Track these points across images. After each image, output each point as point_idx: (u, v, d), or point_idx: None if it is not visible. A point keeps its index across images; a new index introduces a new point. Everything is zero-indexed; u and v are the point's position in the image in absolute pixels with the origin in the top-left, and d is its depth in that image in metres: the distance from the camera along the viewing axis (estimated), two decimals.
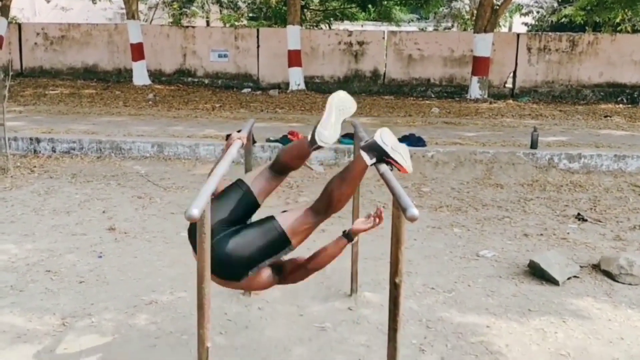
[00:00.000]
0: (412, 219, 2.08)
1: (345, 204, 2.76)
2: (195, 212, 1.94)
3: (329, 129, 2.74)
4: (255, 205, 2.80)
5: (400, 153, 2.67)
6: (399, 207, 2.20)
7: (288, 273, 2.84)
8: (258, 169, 2.93)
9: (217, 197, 2.71)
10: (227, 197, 2.74)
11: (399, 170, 2.69)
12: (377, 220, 2.71)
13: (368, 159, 2.64)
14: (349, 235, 2.78)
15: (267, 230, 2.66)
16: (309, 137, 2.79)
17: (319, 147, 2.77)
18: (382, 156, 2.64)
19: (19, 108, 11.09)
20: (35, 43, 16.69)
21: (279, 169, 2.90)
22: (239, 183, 2.80)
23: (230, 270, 2.63)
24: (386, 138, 2.65)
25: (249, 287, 3.01)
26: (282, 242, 2.66)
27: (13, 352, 3.27)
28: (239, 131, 3.14)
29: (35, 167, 7.48)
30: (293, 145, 3.01)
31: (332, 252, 2.80)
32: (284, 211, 2.79)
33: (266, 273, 2.74)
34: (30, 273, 4.31)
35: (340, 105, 2.78)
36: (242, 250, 2.60)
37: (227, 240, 2.59)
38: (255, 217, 2.84)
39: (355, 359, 3.30)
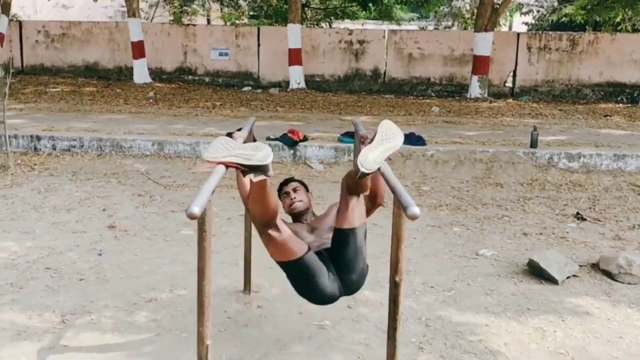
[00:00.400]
0: (413, 217, 2.09)
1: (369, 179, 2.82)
2: (196, 209, 1.95)
3: (373, 156, 2.60)
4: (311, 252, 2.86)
5: (386, 148, 2.65)
6: (399, 206, 2.21)
7: (375, 195, 2.96)
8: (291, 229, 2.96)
9: (302, 269, 2.79)
10: (311, 268, 2.79)
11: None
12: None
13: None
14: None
15: (356, 240, 2.82)
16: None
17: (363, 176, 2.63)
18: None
19: (20, 106, 11.09)
20: (36, 41, 16.69)
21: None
22: (303, 256, 2.80)
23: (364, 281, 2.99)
24: (367, 161, 2.55)
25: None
26: (365, 230, 2.90)
27: (13, 349, 3.28)
28: (239, 130, 3.15)
29: (35, 164, 7.49)
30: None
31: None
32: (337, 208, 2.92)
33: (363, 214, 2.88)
34: (30, 270, 4.31)
35: (389, 132, 2.71)
36: (362, 267, 2.91)
37: (351, 279, 2.87)
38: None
39: (355, 357, 3.30)
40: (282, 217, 3.39)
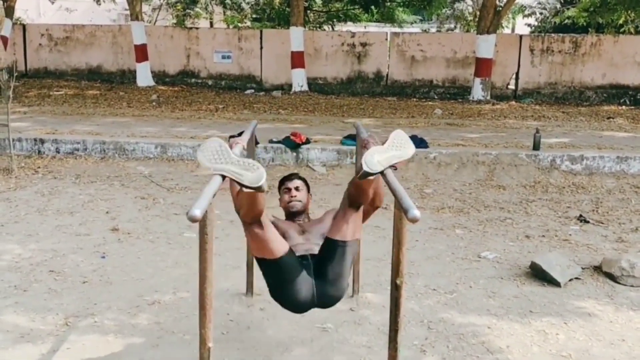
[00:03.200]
0: (413, 220, 2.09)
1: (372, 190, 2.77)
2: (197, 212, 1.96)
3: (377, 157, 2.55)
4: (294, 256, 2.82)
5: (393, 155, 2.58)
6: (400, 209, 2.22)
7: (375, 197, 2.86)
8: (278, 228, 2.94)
9: (279, 272, 2.74)
10: (288, 273, 2.74)
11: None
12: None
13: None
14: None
15: (343, 253, 2.76)
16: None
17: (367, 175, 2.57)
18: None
19: (24, 109, 11.13)
20: (40, 44, 16.75)
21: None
22: (287, 256, 2.76)
23: (341, 297, 2.87)
24: (372, 162, 2.50)
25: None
26: (355, 246, 2.86)
27: (16, 351, 3.29)
28: (240, 134, 3.13)
29: (39, 167, 7.51)
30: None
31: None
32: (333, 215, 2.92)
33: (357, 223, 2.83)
34: (33, 273, 4.33)
35: (402, 143, 2.66)
36: (342, 283, 2.80)
37: (328, 290, 2.77)
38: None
39: None
40: (276, 213, 3.40)
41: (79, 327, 3.57)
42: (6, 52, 15.54)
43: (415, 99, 14.82)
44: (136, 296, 4.00)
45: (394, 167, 2.61)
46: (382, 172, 2.53)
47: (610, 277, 4.41)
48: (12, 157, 7.30)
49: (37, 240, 5.00)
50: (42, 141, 8.23)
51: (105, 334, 3.50)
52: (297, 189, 3.19)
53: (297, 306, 2.79)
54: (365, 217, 2.97)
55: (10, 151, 7.33)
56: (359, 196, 2.78)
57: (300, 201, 3.16)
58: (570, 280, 4.35)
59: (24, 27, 16.96)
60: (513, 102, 14.36)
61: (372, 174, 2.52)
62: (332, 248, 2.75)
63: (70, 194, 6.42)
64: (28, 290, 4.05)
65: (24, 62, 16.70)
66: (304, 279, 2.72)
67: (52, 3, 18.76)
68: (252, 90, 15.40)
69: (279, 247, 2.70)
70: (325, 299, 2.80)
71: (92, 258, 4.65)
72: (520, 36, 15.92)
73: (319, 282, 2.75)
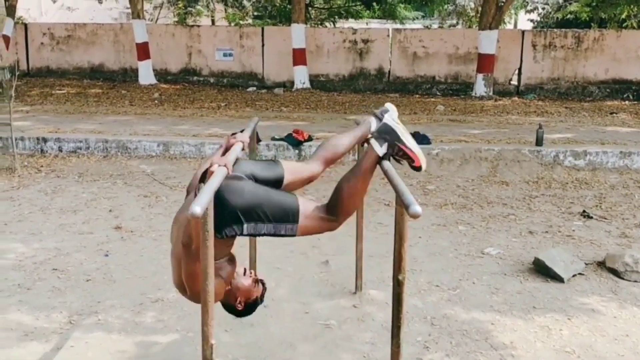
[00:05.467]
0: (414, 216, 2.08)
1: (358, 202, 2.68)
2: (198, 209, 1.96)
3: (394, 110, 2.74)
4: (280, 181, 2.64)
5: (409, 140, 2.62)
6: (402, 205, 2.21)
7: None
8: (302, 165, 2.78)
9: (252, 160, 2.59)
10: (262, 164, 2.66)
11: (413, 162, 2.63)
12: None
13: (379, 148, 2.60)
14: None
15: (285, 196, 2.51)
16: (370, 121, 2.71)
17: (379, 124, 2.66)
18: (393, 141, 2.60)
19: (26, 108, 11.15)
20: (42, 43, 16.76)
21: (320, 167, 2.74)
22: (276, 162, 2.70)
23: (229, 209, 2.37)
24: (395, 116, 2.64)
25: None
26: (291, 215, 2.46)
27: (20, 349, 3.30)
28: (242, 131, 3.11)
29: (42, 166, 7.53)
30: (349, 139, 2.77)
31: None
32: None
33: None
34: (37, 271, 4.34)
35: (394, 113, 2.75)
36: (254, 192, 2.43)
37: (244, 179, 2.49)
38: None
39: (360, 357, 3.31)
40: None
41: (82, 325, 3.58)
42: (8, 51, 15.55)
43: (417, 95, 14.80)
44: (139, 294, 4.00)
45: (399, 152, 2.62)
46: (389, 153, 2.60)
47: (614, 272, 4.40)
48: (15, 156, 7.31)
49: (41, 239, 5.02)
50: (45, 140, 8.25)
51: (109, 331, 3.51)
52: None
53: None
54: (330, 216, 2.59)
55: (13, 150, 7.35)
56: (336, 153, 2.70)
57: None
58: (574, 275, 4.34)
59: (25, 26, 16.97)
60: (516, 98, 14.32)
61: (386, 121, 2.65)
62: (289, 193, 2.61)
63: (73, 193, 6.43)
64: (32, 289, 4.06)
65: (26, 61, 16.72)
66: (259, 168, 2.62)
67: (54, 2, 18.77)
68: (254, 88, 15.39)
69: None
70: (234, 181, 2.46)
71: (96, 256, 4.66)
72: (523, 31, 15.87)
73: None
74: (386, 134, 2.63)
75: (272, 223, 2.45)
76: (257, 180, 2.56)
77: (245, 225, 2.41)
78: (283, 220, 2.45)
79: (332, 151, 2.72)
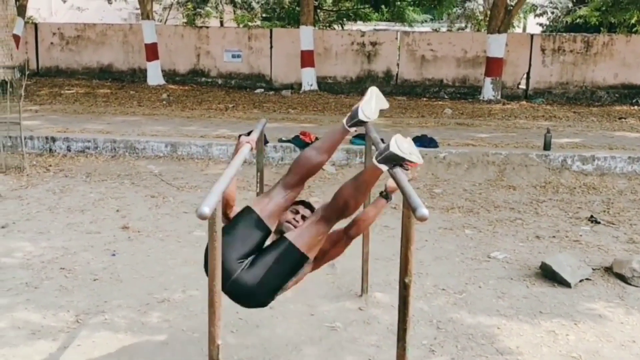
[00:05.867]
0: (421, 219, 2.09)
1: (356, 210, 2.75)
2: (206, 210, 1.97)
3: (371, 106, 2.97)
4: (267, 233, 2.75)
5: (416, 154, 2.63)
6: (409, 207, 2.21)
7: (327, 251, 2.85)
8: (268, 194, 2.85)
9: (227, 230, 2.63)
10: (238, 229, 2.69)
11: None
12: (409, 166, 2.61)
13: (384, 167, 2.60)
14: (387, 196, 2.87)
15: (283, 254, 2.63)
16: (345, 119, 2.99)
17: (360, 124, 3.00)
18: (400, 163, 2.58)
19: (35, 107, 11.21)
20: (52, 43, 16.86)
21: (295, 183, 2.88)
22: (248, 211, 2.75)
23: (256, 301, 2.70)
24: (402, 145, 2.57)
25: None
26: (300, 260, 2.66)
27: (27, 348, 3.32)
28: (249, 133, 3.13)
29: (50, 165, 7.57)
30: (322, 144, 3.04)
31: (373, 215, 2.89)
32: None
33: (313, 241, 2.70)
34: (45, 270, 4.36)
35: (378, 95, 2.99)
36: (264, 281, 2.61)
37: (246, 276, 2.60)
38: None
39: (366, 359, 3.31)
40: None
41: (89, 325, 3.59)
42: (18, 50, 15.64)
43: (425, 99, 14.78)
44: (146, 294, 4.02)
45: (405, 168, 2.61)
46: (390, 168, 2.59)
47: (621, 278, 4.38)
48: (24, 155, 7.36)
49: (48, 238, 5.04)
50: (54, 139, 8.29)
51: (115, 331, 3.52)
52: (302, 217, 2.91)
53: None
54: (329, 223, 2.73)
55: (22, 149, 7.39)
56: (347, 206, 2.69)
57: (295, 227, 2.88)
58: (581, 281, 4.32)
59: (35, 26, 17.08)
60: (524, 102, 14.28)
61: (362, 122, 2.94)
62: (279, 242, 2.69)
63: (81, 192, 6.46)
64: (39, 288, 4.08)
65: (36, 61, 16.82)
66: (246, 249, 2.64)
67: (64, 2, 18.88)
68: (262, 90, 15.42)
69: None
70: (237, 285, 2.59)
71: (103, 256, 4.68)
72: (532, 35, 15.83)
73: (247, 264, 2.62)
74: (393, 160, 2.58)
75: (293, 276, 2.69)
76: (251, 251, 2.67)
77: (276, 296, 2.73)
78: (298, 268, 2.68)
79: (346, 212, 2.75)
